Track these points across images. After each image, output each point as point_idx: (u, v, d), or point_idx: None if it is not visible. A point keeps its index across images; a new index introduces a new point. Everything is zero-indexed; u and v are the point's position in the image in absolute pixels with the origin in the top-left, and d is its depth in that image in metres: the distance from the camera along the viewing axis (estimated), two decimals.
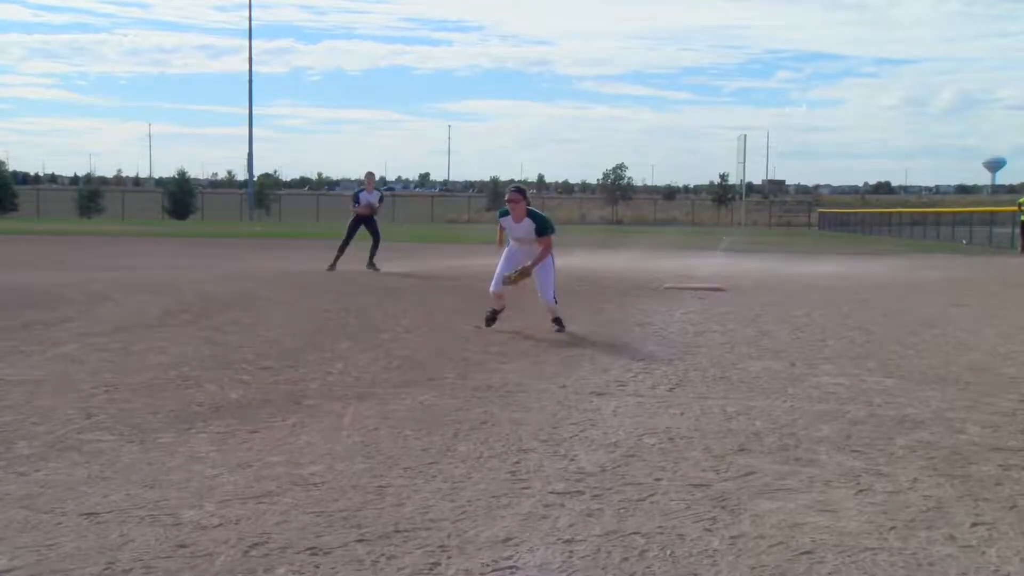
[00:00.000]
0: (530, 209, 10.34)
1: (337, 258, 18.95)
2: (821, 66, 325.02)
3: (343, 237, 19.23)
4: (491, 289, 10.34)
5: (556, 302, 10.39)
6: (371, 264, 18.90)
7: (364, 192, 19.49)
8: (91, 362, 8.34)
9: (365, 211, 19.08)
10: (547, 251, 10.21)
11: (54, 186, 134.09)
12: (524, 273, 10.11)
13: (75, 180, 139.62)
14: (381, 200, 19.65)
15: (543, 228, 10.23)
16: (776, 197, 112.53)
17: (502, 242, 10.71)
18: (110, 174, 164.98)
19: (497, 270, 10.33)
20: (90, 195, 72.06)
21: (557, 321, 10.38)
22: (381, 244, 19.34)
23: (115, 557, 3.85)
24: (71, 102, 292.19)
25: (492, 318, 10.45)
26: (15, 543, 3.98)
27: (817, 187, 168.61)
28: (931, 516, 4.51)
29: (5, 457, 5.24)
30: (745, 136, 59.18)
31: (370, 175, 20.16)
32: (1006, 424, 6.41)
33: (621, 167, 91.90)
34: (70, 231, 35.80)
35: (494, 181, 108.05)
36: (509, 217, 10.34)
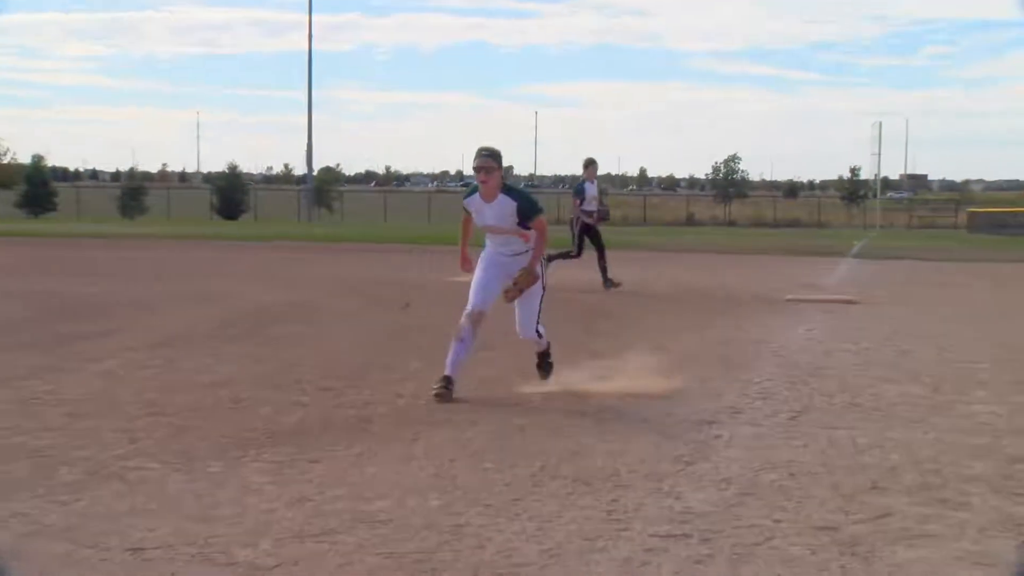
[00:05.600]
0: (507, 184, 8.15)
1: (603, 269, 17.08)
2: (981, 37, 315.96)
3: (575, 246, 17.24)
4: (469, 309, 8.10)
5: (541, 335, 8.35)
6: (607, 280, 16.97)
7: (589, 184, 17.44)
8: (134, 380, 8.57)
9: (591, 218, 17.07)
10: (543, 240, 8.12)
11: (94, 183, 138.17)
12: (529, 278, 7.95)
13: (117, 176, 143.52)
14: (603, 195, 17.66)
15: (529, 208, 8.03)
16: (917, 194, 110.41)
17: (468, 242, 8.58)
18: (154, 169, 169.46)
19: (473, 287, 8.22)
20: (133, 193, 73.85)
21: (544, 363, 8.62)
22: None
23: None
24: (111, 89, 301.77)
25: (447, 387, 7.84)
26: None
27: (968, 182, 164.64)
28: None
29: (45, 484, 5.43)
30: (881, 123, 57.91)
31: (592, 162, 17.82)
32: None
33: (734, 159, 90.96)
34: (111, 233, 36.84)
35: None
36: (477, 196, 8.10)
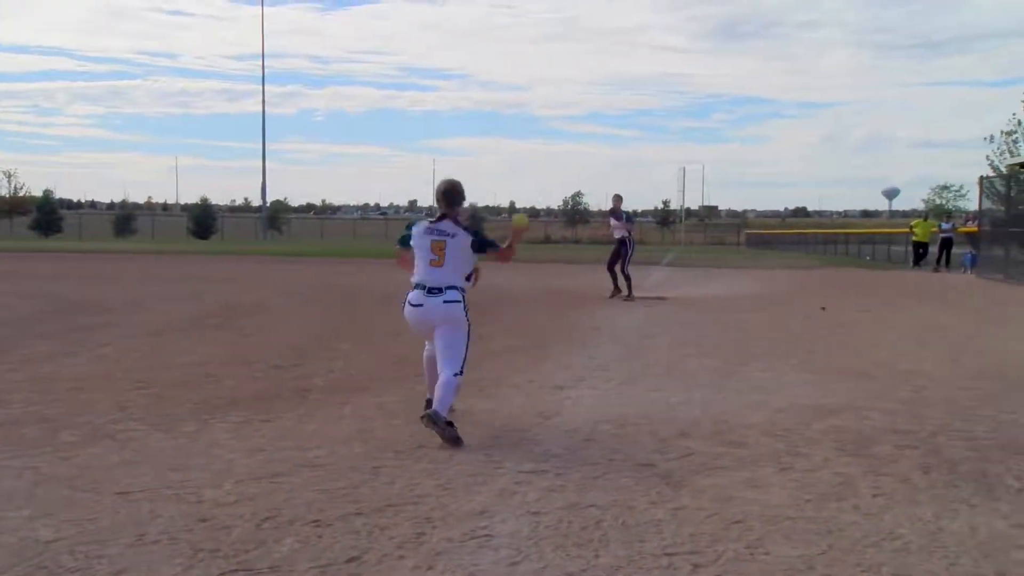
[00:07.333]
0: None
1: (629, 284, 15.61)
2: (752, 108, 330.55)
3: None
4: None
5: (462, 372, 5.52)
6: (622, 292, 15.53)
7: (613, 217, 16.00)
8: (127, 361, 8.24)
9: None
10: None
11: (93, 211, 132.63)
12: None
13: (111, 206, 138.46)
14: (628, 219, 15.82)
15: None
16: (710, 220, 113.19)
17: None
18: (142, 200, 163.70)
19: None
20: (125, 218, 71.36)
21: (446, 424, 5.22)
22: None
23: (145, 530, 3.80)
24: (108, 139, 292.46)
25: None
26: (60, 517, 3.93)
27: (745, 211, 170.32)
28: (840, 489, 4.54)
29: (52, 444, 5.18)
30: (684, 168, 59.68)
31: (614, 197, 16.08)
32: (902, 411, 6.47)
33: (579, 194, 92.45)
34: (107, 249, 35.40)
35: (472, 206, 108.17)
36: None
